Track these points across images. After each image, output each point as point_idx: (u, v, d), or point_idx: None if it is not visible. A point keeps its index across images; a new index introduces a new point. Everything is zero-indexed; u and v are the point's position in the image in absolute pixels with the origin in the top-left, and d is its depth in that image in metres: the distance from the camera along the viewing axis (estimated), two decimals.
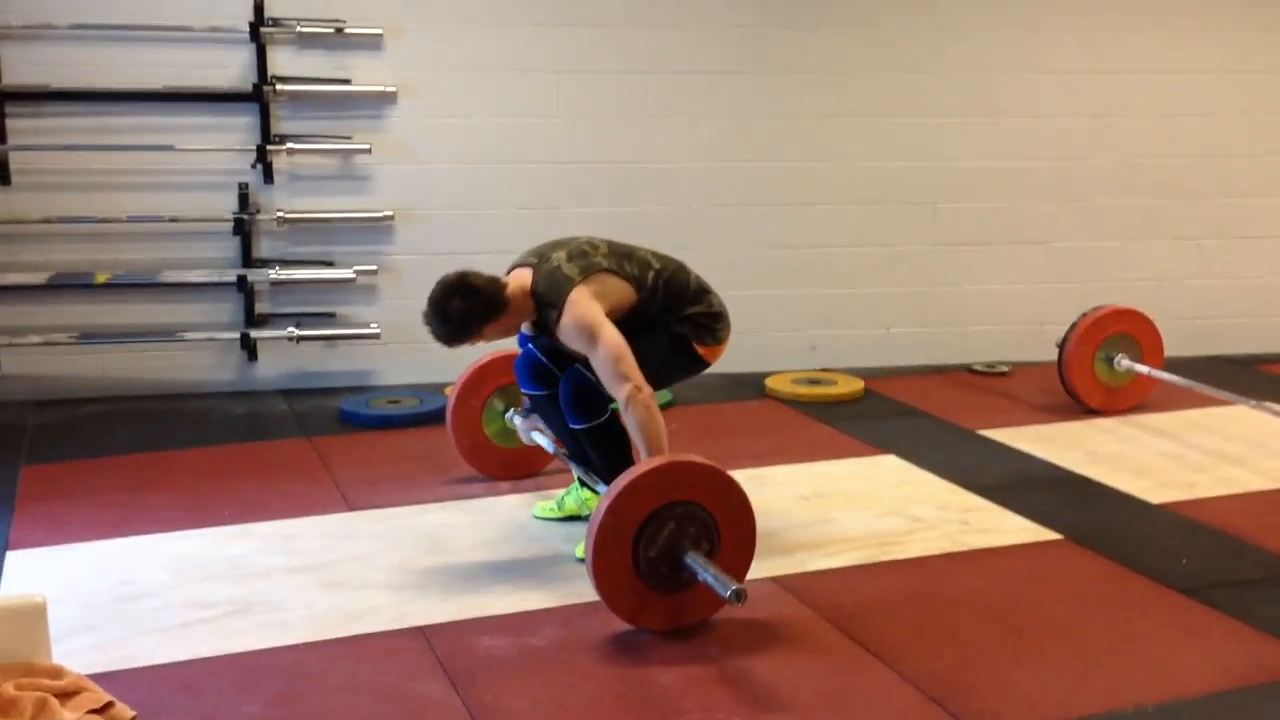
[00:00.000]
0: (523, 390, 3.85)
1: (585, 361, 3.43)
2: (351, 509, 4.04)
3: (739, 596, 2.88)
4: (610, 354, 3.28)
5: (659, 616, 3.12)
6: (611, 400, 3.48)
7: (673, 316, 3.59)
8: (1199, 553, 3.72)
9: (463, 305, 3.37)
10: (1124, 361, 5.23)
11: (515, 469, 4.29)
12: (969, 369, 6.04)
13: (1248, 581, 3.51)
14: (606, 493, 3.09)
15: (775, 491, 4.22)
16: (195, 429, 4.94)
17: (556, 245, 3.58)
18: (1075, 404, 5.28)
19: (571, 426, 3.60)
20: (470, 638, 3.12)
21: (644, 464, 3.12)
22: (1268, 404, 4.73)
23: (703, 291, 3.66)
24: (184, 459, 4.56)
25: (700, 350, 3.64)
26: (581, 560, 3.55)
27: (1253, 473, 4.50)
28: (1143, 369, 5.22)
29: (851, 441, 4.83)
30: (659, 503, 3.06)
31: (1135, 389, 5.30)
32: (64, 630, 3.05)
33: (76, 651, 2.98)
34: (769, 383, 5.58)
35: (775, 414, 5.26)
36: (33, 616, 2.73)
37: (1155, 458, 4.68)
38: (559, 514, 3.92)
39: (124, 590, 3.38)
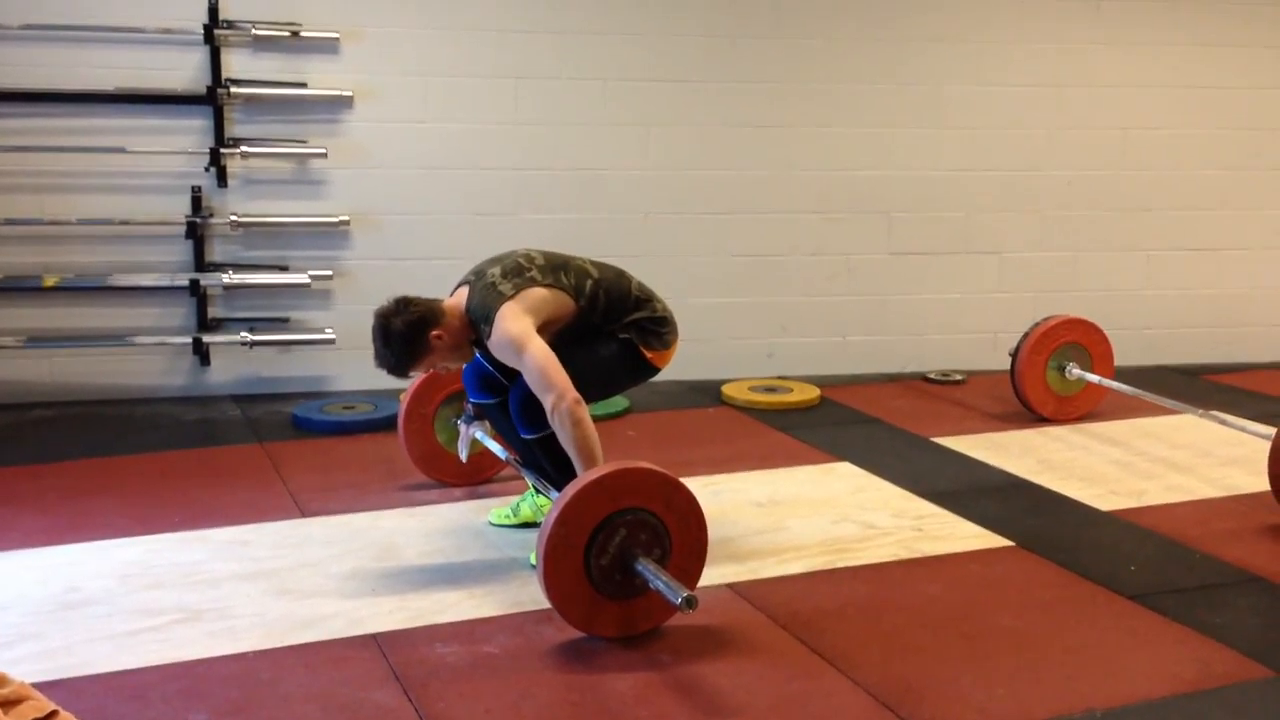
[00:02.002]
0: (471, 399, 3.85)
1: None
2: (304, 515, 4.00)
3: (690, 603, 2.88)
4: (536, 365, 3.27)
5: (611, 624, 3.12)
6: None
7: (616, 324, 3.59)
8: (1148, 559, 3.77)
9: (403, 320, 3.39)
10: (1075, 371, 5.30)
11: (469, 475, 4.27)
12: (924, 377, 6.09)
13: (1196, 588, 3.56)
14: (556, 501, 3.08)
15: (731, 498, 4.23)
16: (146, 434, 4.87)
17: (494, 261, 3.59)
18: (1027, 412, 5.34)
19: (522, 436, 3.60)
20: (423, 645, 3.10)
21: (594, 471, 3.11)
22: (1215, 413, 4.81)
23: (645, 298, 3.67)
24: (134, 464, 4.50)
25: (648, 355, 3.64)
26: (535, 567, 3.54)
27: (1200, 480, 4.56)
28: (1093, 378, 5.28)
29: (807, 449, 4.85)
30: (610, 510, 3.05)
31: (1086, 398, 5.37)
32: (9, 637, 3.01)
33: (22, 659, 2.93)
34: (725, 390, 5.60)
35: (731, 421, 5.27)
36: None
37: (1105, 465, 4.74)
38: (514, 520, 3.90)
39: (71, 597, 3.33)
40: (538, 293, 3.45)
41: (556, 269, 3.55)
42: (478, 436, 3.98)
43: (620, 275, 3.67)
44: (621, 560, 3.07)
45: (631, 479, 3.10)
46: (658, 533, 3.11)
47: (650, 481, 3.12)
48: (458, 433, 4.14)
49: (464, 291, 3.54)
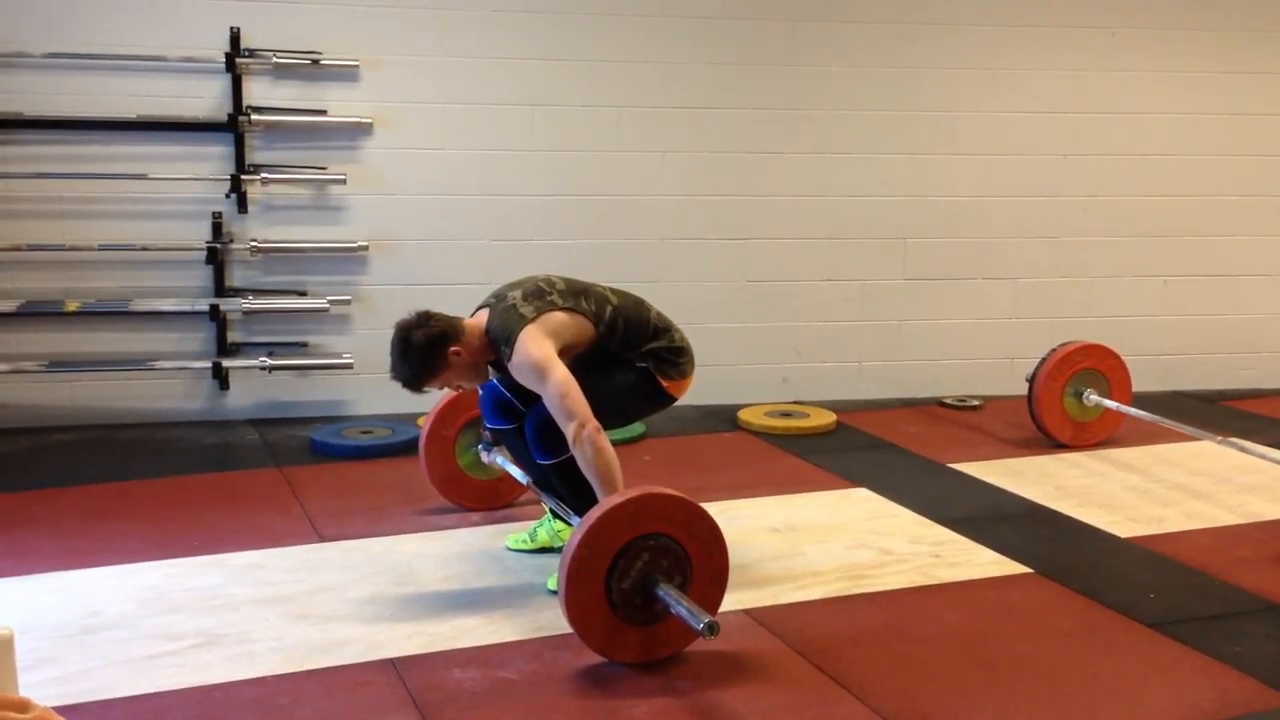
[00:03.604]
0: (487, 425, 3.86)
1: None
2: (322, 540, 4.02)
3: (712, 629, 2.88)
4: (558, 391, 3.28)
5: (631, 649, 3.12)
6: None
7: (634, 352, 3.60)
8: (1167, 587, 3.75)
9: (424, 334, 3.40)
10: (1093, 397, 5.28)
11: (488, 500, 4.28)
12: (940, 403, 6.08)
13: (1215, 616, 3.53)
14: (579, 524, 3.08)
15: (747, 524, 4.22)
16: (165, 458, 4.90)
17: (514, 286, 3.61)
18: (1045, 438, 5.32)
19: (539, 461, 3.60)
20: (441, 670, 3.10)
21: (618, 495, 3.12)
22: (1233, 439, 4.78)
23: (663, 328, 3.68)
24: (153, 489, 4.52)
25: (665, 384, 3.65)
26: (553, 592, 3.54)
27: (1219, 507, 4.54)
28: (1111, 404, 5.27)
29: (823, 474, 4.85)
30: (632, 535, 3.06)
31: (1104, 424, 5.35)
32: (28, 662, 3.02)
33: (41, 684, 2.94)
34: (741, 415, 5.60)
35: (747, 446, 5.27)
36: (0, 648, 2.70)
37: (1123, 492, 4.72)
38: (531, 546, 3.91)
39: (90, 621, 3.34)
40: (558, 317, 3.46)
41: (577, 294, 3.56)
42: (499, 462, 4.00)
43: (639, 304, 3.69)
44: (642, 585, 3.07)
45: (656, 504, 3.10)
46: (679, 559, 3.11)
47: (674, 507, 3.12)
48: (479, 458, 4.15)
49: (484, 314, 3.55)
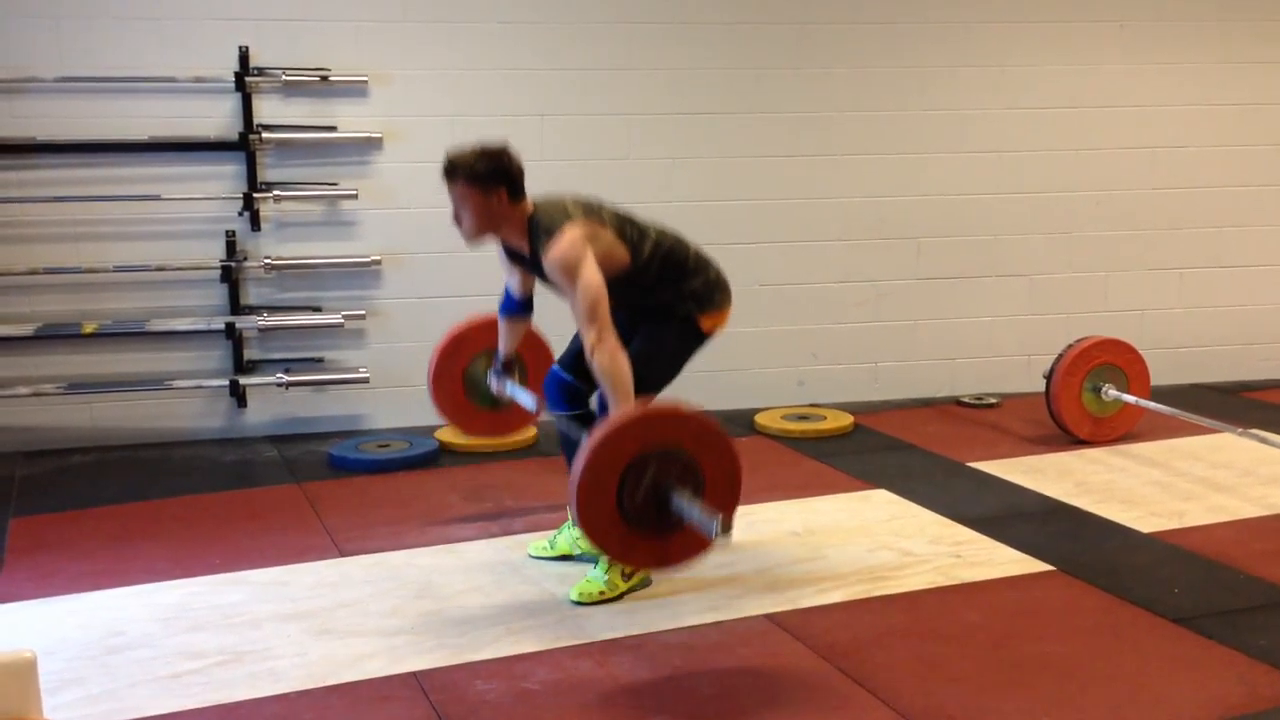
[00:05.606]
0: (550, 410, 3.84)
1: None
2: (343, 554, 4.03)
3: (723, 529, 2.95)
4: (588, 295, 3.31)
5: (650, 557, 3.19)
6: None
7: (673, 290, 3.61)
8: (1190, 581, 3.73)
9: (506, 156, 3.45)
10: (1111, 392, 5.26)
11: (499, 429, 4.31)
12: (957, 401, 6.06)
13: (1240, 609, 3.51)
14: (584, 446, 3.10)
15: (767, 528, 4.22)
16: (184, 477, 4.92)
17: (565, 193, 3.63)
18: (1064, 434, 5.30)
19: None
20: (464, 683, 3.10)
21: (620, 415, 3.18)
22: (1254, 431, 4.76)
23: (703, 263, 3.70)
24: (173, 508, 4.54)
25: (702, 323, 3.67)
26: (576, 603, 3.55)
27: (1241, 500, 4.51)
28: (1130, 399, 5.24)
29: (841, 476, 4.84)
30: (641, 446, 3.09)
31: (1123, 419, 5.32)
32: (53, 684, 3.03)
33: (66, 705, 2.96)
34: (758, 419, 5.59)
35: (765, 450, 5.27)
36: (23, 671, 2.70)
37: (1144, 487, 4.70)
38: (552, 553, 3.91)
39: (114, 641, 3.36)
40: (604, 233, 3.47)
41: (623, 222, 3.58)
42: (509, 390, 4.03)
43: (679, 241, 3.70)
44: (654, 495, 3.09)
45: (664, 417, 3.14)
46: (690, 468, 3.13)
47: (682, 420, 3.15)
48: (489, 387, 4.13)
49: (533, 199, 3.56)
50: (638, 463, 3.08)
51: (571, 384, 3.74)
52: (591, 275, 3.33)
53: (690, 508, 3.04)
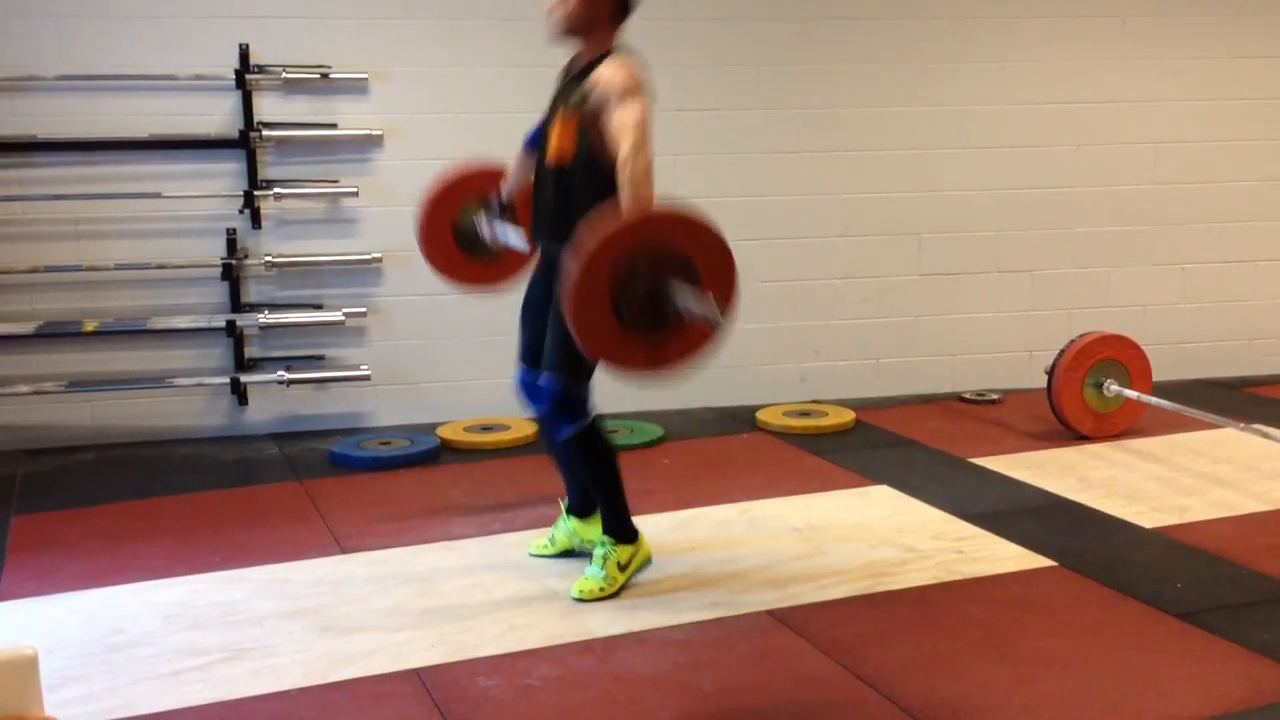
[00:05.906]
0: (534, 411, 3.79)
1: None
2: (344, 552, 4.02)
3: (717, 315, 3.02)
4: (640, 110, 3.33)
5: (640, 358, 3.19)
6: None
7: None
8: (1193, 577, 3.73)
9: None
10: (1113, 387, 5.25)
11: (490, 277, 4.23)
12: (959, 397, 6.05)
13: (1243, 604, 3.51)
14: (585, 238, 3.10)
15: (768, 524, 4.21)
16: (186, 475, 4.92)
17: None
18: (1066, 430, 5.29)
19: (557, 439, 3.64)
20: (465, 679, 3.10)
21: (611, 222, 3.17)
22: (1257, 426, 4.75)
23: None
24: (175, 505, 4.54)
25: None
26: (577, 600, 3.55)
27: (1244, 495, 4.51)
28: (1132, 394, 5.24)
29: (843, 473, 4.83)
30: (636, 244, 3.10)
31: (1125, 414, 5.32)
32: (55, 681, 3.03)
33: (68, 702, 2.95)
34: (760, 415, 5.59)
35: (766, 447, 5.26)
36: (24, 669, 2.70)
37: (1146, 482, 4.69)
38: (552, 550, 3.91)
39: (116, 639, 3.36)
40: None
41: None
42: (498, 233, 3.99)
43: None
44: (651, 296, 3.10)
45: (659, 220, 3.17)
46: (684, 266, 3.14)
47: (677, 221, 3.17)
48: (478, 231, 4.10)
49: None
50: (630, 267, 3.09)
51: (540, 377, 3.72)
52: (647, 104, 3.37)
53: (688, 300, 3.06)
